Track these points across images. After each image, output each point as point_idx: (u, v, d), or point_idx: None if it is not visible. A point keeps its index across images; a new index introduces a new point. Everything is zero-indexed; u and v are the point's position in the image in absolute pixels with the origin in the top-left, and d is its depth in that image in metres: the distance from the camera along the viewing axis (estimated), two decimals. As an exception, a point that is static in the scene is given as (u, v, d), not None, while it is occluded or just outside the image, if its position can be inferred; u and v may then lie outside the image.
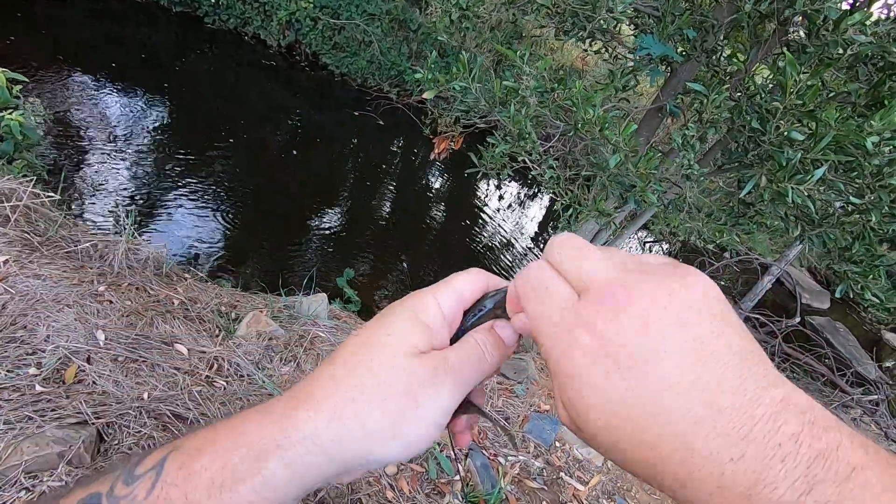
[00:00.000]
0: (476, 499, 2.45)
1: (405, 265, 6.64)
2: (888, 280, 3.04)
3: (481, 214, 8.67)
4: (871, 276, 2.80)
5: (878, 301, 2.85)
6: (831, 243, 2.67)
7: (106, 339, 2.07)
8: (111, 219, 4.59)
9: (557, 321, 0.31)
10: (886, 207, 2.21)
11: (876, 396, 5.56)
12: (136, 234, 2.84)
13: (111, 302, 2.29)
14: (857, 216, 2.42)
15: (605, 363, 0.28)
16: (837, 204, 2.83)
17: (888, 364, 10.19)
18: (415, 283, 6.38)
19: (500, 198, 9.57)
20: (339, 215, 6.84)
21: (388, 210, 7.57)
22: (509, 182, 10.10)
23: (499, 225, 8.49)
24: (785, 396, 0.26)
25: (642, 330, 0.27)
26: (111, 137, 5.82)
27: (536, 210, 9.70)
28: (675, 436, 0.25)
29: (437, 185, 9.11)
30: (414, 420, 0.35)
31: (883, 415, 5.36)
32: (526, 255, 7.99)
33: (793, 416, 0.25)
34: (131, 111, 6.46)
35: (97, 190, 5.00)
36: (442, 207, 8.39)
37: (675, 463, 0.25)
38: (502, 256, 7.76)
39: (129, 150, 5.77)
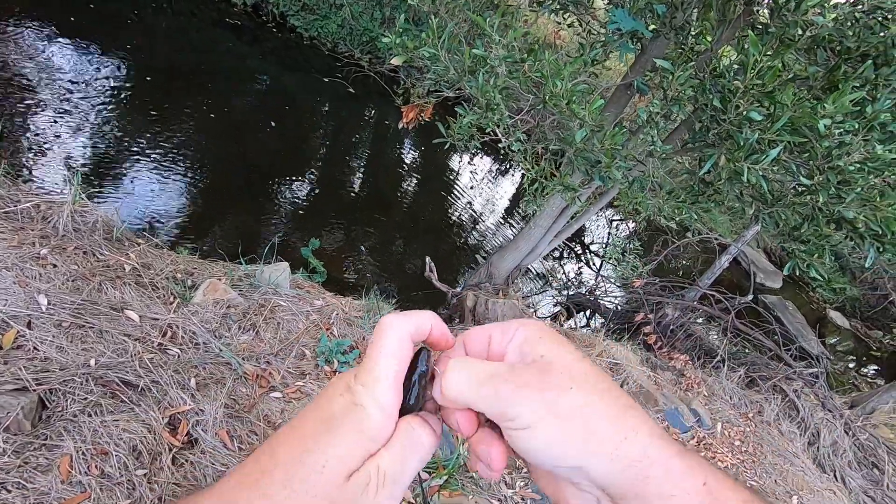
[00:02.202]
0: (434, 464, 2.50)
1: (373, 237, 6.58)
2: (835, 261, 3.19)
3: (452, 188, 8.62)
4: (817, 256, 2.94)
5: (822, 279, 3.00)
6: (783, 223, 2.77)
7: (49, 303, 1.97)
8: (60, 181, 4.35)
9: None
10: (833, 189, 2.29)
11: (816, 370, 5.92)
12: (83, 196, 2.70)
13: (55, 266, 2.19)
14: (808, 197, 2.51)
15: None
16: (790, 185, 2.93)
17: (831, 341, 10.85)
18: (383, 256, 6.34)
19: (473, 172, 9.52)
20: (307, 184, 6.68)
21: (357, 181, 7.44)
22: (482, 156, 10.05)
23: (470, 200, 8.48)
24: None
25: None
26: (62, 96, 5.46)
27: (508, 185, 9.72)
28: None
29: (408, 157, 8.98)
30: None
31: (821, 386, 5.72)
32: (497, 230, 8.03)
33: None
34: (84, 68, 6.06)
35: (44, 150, 4.71)
36: (413, 180, 8.30)
37: None
38: (472, 231, 7.78)
39: (82, 110, 5.44)
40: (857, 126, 2.27)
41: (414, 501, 2.25)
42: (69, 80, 5.70)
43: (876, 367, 10.66)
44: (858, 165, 2.18)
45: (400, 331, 0.39)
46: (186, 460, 1.79)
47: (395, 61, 3.23)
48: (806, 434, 5.17)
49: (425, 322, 0.41)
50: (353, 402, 0.37)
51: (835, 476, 4.97)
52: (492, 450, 0.39)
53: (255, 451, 0.38)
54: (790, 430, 5.09)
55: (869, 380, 10.06)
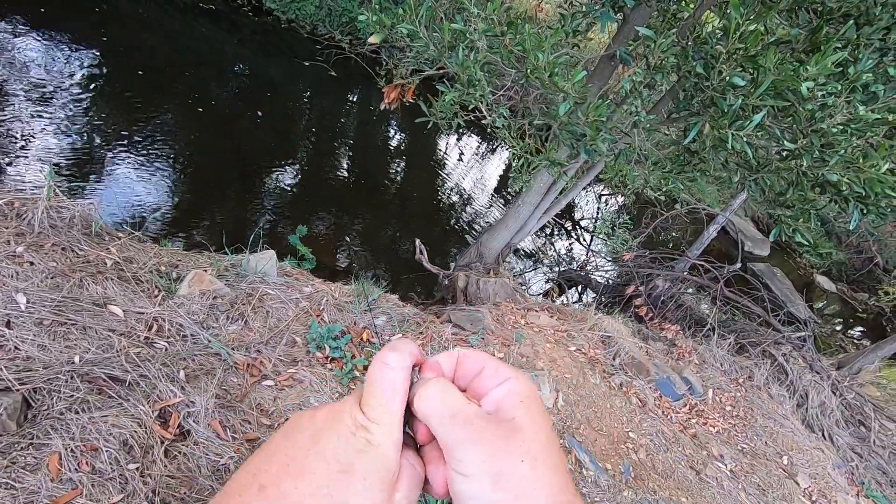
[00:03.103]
0: (430, 444, 2.53)
1: (362, 221, 6.53)
2: (821, 226, 3.21)
3: (440, 169, 8.55)
4: (803, 220, 2.95)
5: (808, 244, 3.02)
6: (768, 189, 2.77)
7: (28, 302, 1.93)
8: (35, 177, 4.24)
9: None
10: (817, 152, 2.29)
11: (804, 333, 6.02)
12: (58, 191, 2.63)
13: (32, 263, 2.14)
14: (792, 161, 2.51)
15: None
16: (774, 150, 2.93)
17: (818, 305, 11.06)
18: (372, 241, 6.30)
19: (460, 152, 9.45)
20: (292, 172, 6.58)
21: (343, 166, 7.35)
22: (468, 136, 9.96)
23: (458, 180, 8.42)
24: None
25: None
26: (33, 89, 5.29)
27: (496, 164, 9.66)
28: None
29: (394, 140, 8.88)
30: None
31: (809, 350, 5.83)
32: (486, 210, 8.00)
33: None
34: (56, 59, 5.87)
35: (15, 146, 4.58)
36: (400, 162, 8.22)
37: None
38: (461, 212, 7.75)
39: (56, 104, 5.28)
40: (839, 88, 2.25)
41: None
42: (41, 74, 5.52)
43: (861, 329, 10.91)
44: (841, 127, 2.17)
45: (404, 367, 0.40)
46: (179, 452, 1.78)
47: (373, 39, 3.15)
48: (795, 396, 5.29)
49: (415, 351, 0.42)
50: (368, 442, 0.37)
51: (823, 435, 5.11)
52: (438, 473, 0.40)
53: (248, 473, 0.36)
54: (779, 393, 5.20)
55: (855, 341, 10.30)
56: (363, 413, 0.38)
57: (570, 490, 0.37)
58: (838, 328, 10.67)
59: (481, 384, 0.42)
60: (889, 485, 4.83)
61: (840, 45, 2.32)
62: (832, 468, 4.47)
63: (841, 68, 2.24)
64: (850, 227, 2.66)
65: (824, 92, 2.20)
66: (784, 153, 2.55)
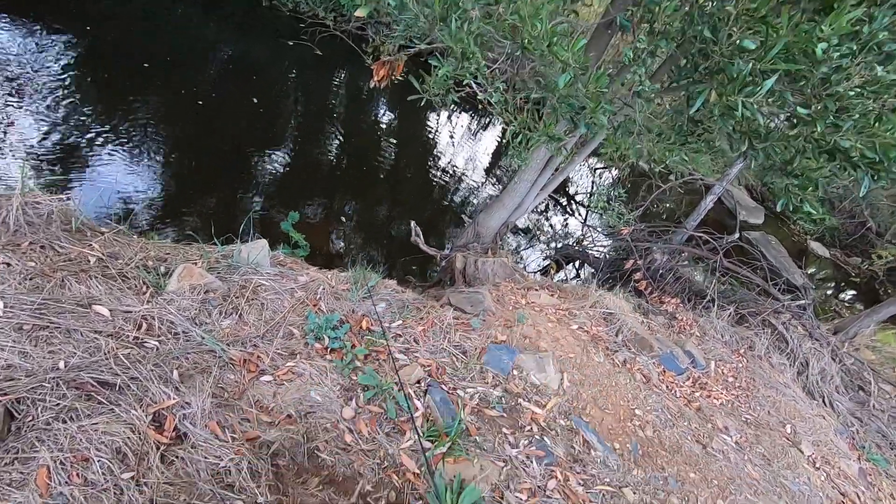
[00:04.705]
0: (436, 432, 2.47)
1: (356, 205, 6.39)
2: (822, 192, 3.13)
3: (434, 148, 8.37)
4: (810, 189, 2.87)
5: (816, 213, 2.94)
6: (776, 157, 2.68)
7: (6, 306, 1.82)
8: (8, 173, 4.06)
9: None
10: (831, 117, 2.19)
11: (803, 301, 6.02)
12: (33, 186, 2.48)
13: (8, 265, 2.01)
14: (802, 128, 2.41)
15: None
16: (781, 118, 2.82)
17: (812, 271, 11.12)
18: (367, 224, 6.18)
19: (453, 130, 9.25)
20: (281, 156, 6.40)
21: (334, 148, 7.16)
22: (461, 113, 9.74)
23: (452, 159, 8.26)
24: None
25: None
26: (5, 82, 5.04)
27: (490, 141, 9.48)
28: None
29: (385, 119, 8.66)
30: None
31: (808, 317, 5.84)
32: (481, 188, 7.87)
33: None
34: (26, 47, 5.59)
35: (-11, 139, 4.38)
36: (392, 142, 8.02)
37: None
38: (457, 191, 7.61)
39: (30, 96, 5.04)
40: (854, 48, 2.14)
41: (419, 472, 2.22)
42: (14, 66, 5.26)
43: (855, 293, 11.01)
44: (858, 90, 2.07)
45: None
46: (177, 457, 1.70)
47: (360, 13, 2.98)
48: (795, 364, 5.30)
49: None
50: None
51: (824, 402, 5.14)
52: None
53: None
54: (780, 361, 5.21)
55: (849, 305, 10.41)
56: None
57: None
58: (831, 293, 10.76)
59: None
60: (889, 447, 4.89)
61: (854, 2, 2.19)
62: (834, 434, 4.50)
63: (857, 27, 2.12)
64: (861, 194, 2.58)
65: (839, 53, 2.09)
66: (795, 119, 2.45)
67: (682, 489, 2.89)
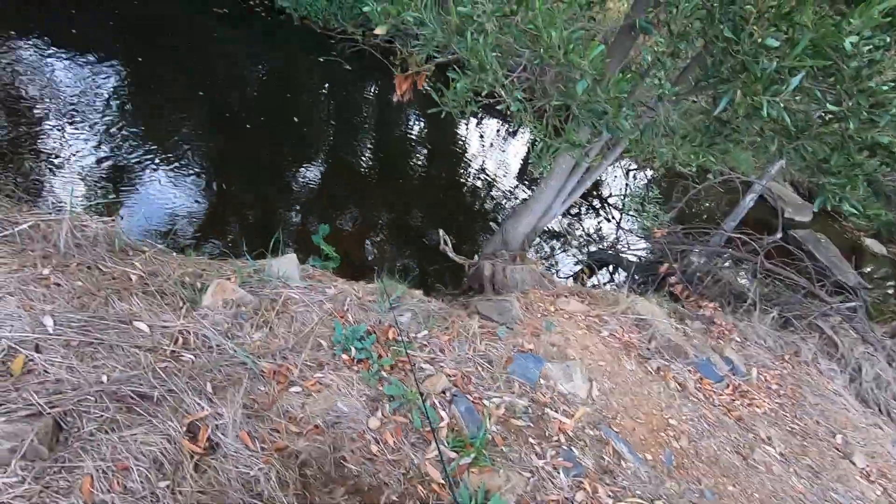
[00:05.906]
0: (462, 442, 2.48)
1: (386, 214, 6.50)
2: (868, 188, 2.97)
3: (461, 156, 8.42)
4: (850, 187, 2.73)
5: (857, 212, 2.80)
6: (809, 156, 2.57)
7: (55, 324, 1.96)
8: (59, 197, 4.36)
9: None
10: (865, 113, 2.09)
11: (854, 303, 5.69)
12: (81, 209, 2.67)
13: (58, 285, 2.17)
14: (836, 125, 2.30)
15: None
16: (815, 115, 2.70)
17: (868, 269, 10.47)
18: (398, 233, 6.27)
19: (480, 137, 9.27)
20: (313, 170, 6.60)
21: (364, 160, 7.31)
22: (487, 120, 9.76)
23: (480, 166, 8.27)
24: None
25: None
26: (61, 107, 5.43)
27: (517, 147, 9.45)
28: None
29: (413, 129, 8.78)
30: None
31: (860, 320, 5.51)
32: (510, 194, 7.85)
33: None
34: (82, 77, 6.00)
35: (41, 167, 4.71)
36: (421, 152, 8.13)
37: None
38: (485, 198, 7.62)
39: (78, 121, 5.41)
40: (887, 40, 2.04)
41: (444, 482, 2.24)
42: (67, 92, 5.66)
43: (916, 292, 10.29)
44: (893, 84, 1.96)
45: None
46: (209, 466, 1.79)
47: (379, 31, 3.05)
48: (847, 370, 5.01)
49: None
50: None
51: (879, 410, 4.83)
52: None
53: None
54: (829, 368, 4.93)
55: (910, 306, 9.72)
56: None
57: None
58: (891, 293, 10.09)
59: None
60: (956, 460, 4.53)
61: (887, -8, 2.09)
62: (891, 445, 4.22)
63: (889, 17, 2.02)
64: (905, 192, 2.43)
65: (871, 46, 1.99)
66: (827, 116, 2.34)
67: (719, 503, 2.78)
